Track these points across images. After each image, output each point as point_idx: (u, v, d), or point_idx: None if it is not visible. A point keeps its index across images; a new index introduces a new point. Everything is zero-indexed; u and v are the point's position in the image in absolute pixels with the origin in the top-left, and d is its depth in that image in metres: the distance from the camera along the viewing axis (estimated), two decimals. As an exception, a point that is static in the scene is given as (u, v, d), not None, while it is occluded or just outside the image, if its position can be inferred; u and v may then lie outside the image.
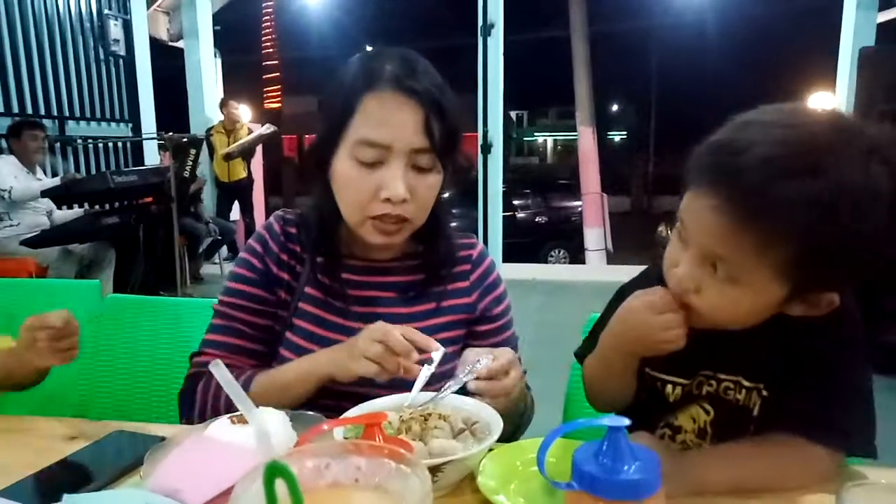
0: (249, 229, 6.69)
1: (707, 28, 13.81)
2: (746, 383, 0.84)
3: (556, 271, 7.48)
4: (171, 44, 7.42)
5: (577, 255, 9.66)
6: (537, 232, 10.22)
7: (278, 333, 1.07)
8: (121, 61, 5.97)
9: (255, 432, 0.44)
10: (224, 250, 6.45)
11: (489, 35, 5.54)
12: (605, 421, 0.57)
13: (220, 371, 0.58)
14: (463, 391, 0.86)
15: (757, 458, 0.77)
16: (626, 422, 0.57)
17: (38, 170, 4.47)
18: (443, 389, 0.86)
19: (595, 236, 9.43)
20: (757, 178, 0.66)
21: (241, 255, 1.12)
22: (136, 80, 6.07)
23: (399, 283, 1.10)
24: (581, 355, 0.98)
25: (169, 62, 7.26)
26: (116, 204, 4.62)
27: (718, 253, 0.72)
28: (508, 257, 6.47)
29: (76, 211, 4.55)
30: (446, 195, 1.10)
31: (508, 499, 0.72)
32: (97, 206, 4.54)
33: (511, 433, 1.00)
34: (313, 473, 0.44)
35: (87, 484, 0.76)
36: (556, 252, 9.82)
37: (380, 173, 0.96)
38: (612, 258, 9.29)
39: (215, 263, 6.41)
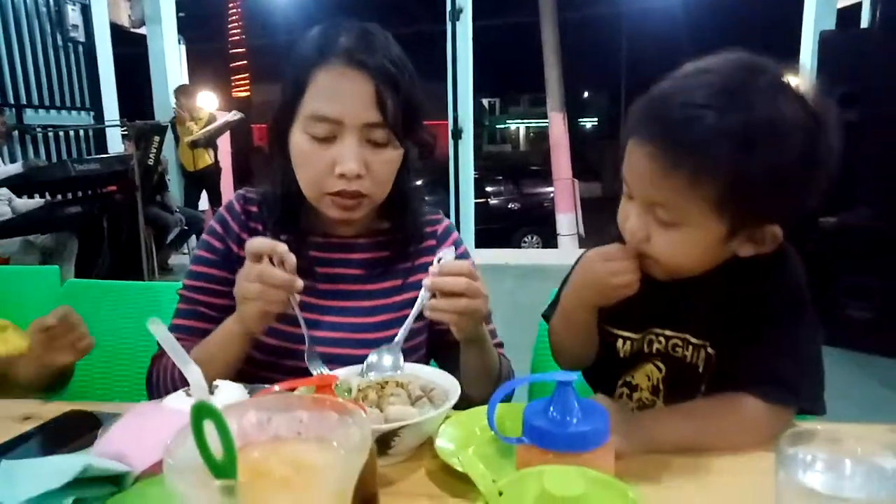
0: (218, 219, 6.58)
1: (676, 14, 13.94)
2: (693, 340, 0.86)
3: (528, 255, 7.51)
4: (133, 30, 7.23)
5: (549, 240, 9.72)
6: (510, 218, 10.25)
7: None
8: (80, 48, 5.81)
9: (191, 385, 0.43)
10: (193, 240, 6.35)
11: (457, 20, 5.52)
12: (554, 376, 0.58)
13: (158, 329, 0.57)
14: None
15: (707, 417, 0.79)
16: (575, 377, 0.58)
17: (-4, 157, 4.35)
18: (418, 302, 0.90)
19: (567, 221, 9.49)
20: (680, 121, 0.73)
21: (203, 236, 1.11)
22: (97, 67, 5.91)
23: (365, 259, 1.09)
24: (547, 316, 1.01)
25: (131, 49, 7.08)
26: (79, 193, 4.50)
27: (656, 198, 0.76)
28: (482, 243, 6.49)
29: (37, 201, 4.44)
30: (419, 182, 1.10)
31: (465, 461, 0.72)
32: (59, 196, 4.42)
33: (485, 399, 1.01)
34: (255, 427, 0.44)
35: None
36: (529, 238, 9.87)
37: (333, 149, 0.95)
38: (584, 243, 9.37)
39: (184, 254, 6.30)
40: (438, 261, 0.90)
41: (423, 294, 0.90)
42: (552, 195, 9.97)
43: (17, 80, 5.19)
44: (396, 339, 0.93)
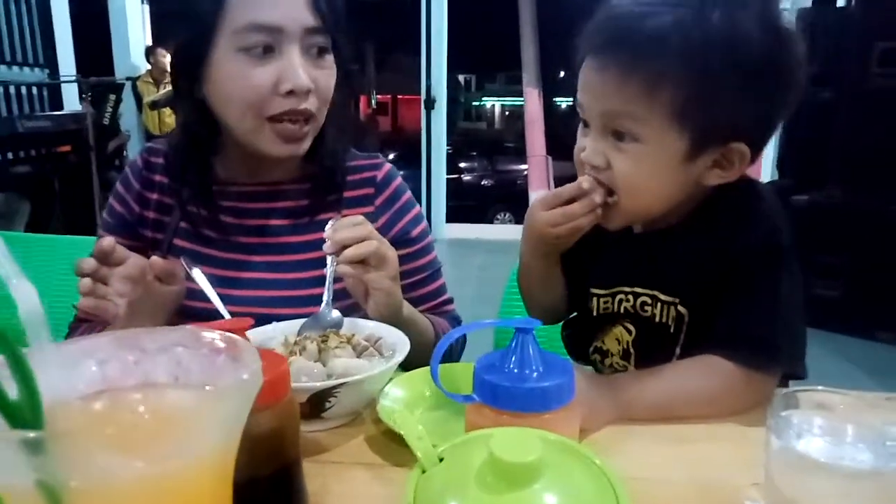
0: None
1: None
2: (662, 297, 0.78)
3: (499, 231, 7.42)
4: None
5: (522, 219, 9.68)
6: (483, 195, 10.19)
7: None
8: (32, 0, 5.47)
9: (20, 306, 0.32)
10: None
11: (433, -15, 5.35)
12: (513, 323, 0.49)
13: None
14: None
15: (676, 381, 0.71)
16: (537, 324, 0.49)
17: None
18: (328, 267, 0.83)
19: (540, 199, 9.45)
20: (628, 24, 0.69)
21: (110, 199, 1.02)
22: (52, 21, 5.58)
23: (289, 208, 0.98)
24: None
25: (92, 6, 6.73)
26: (30, 152, 4.27)
27: (614, 110, 0.71)
28: (454, 219, 6.39)
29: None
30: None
31: (401, 421, 0.63)
32: (9, 154, 4.18)
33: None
34: (118, 370, 0.34)
35: None
36: (502, 215, 9.81)
37: (275, 63, 0.84)
38: (556, 221, 9.32)
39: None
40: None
41: (329, 260, 0.82)
42: (526, 173, 9.90)
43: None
44: (324, 300, 0.83)
